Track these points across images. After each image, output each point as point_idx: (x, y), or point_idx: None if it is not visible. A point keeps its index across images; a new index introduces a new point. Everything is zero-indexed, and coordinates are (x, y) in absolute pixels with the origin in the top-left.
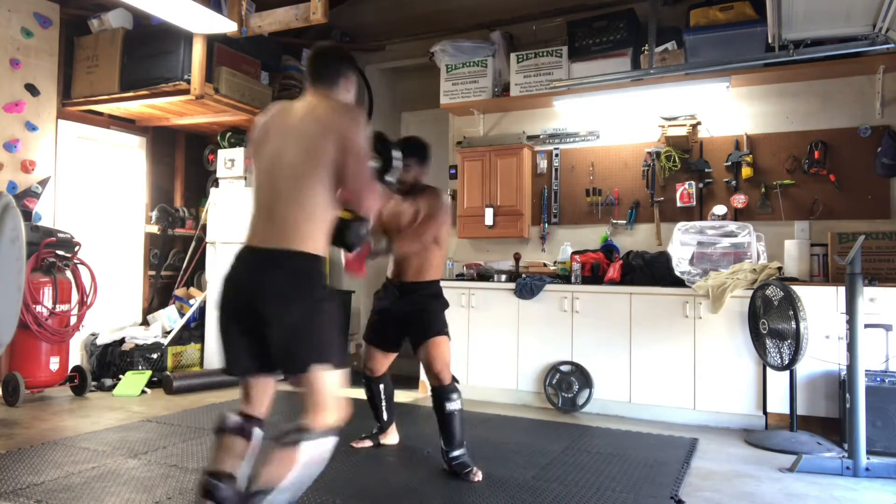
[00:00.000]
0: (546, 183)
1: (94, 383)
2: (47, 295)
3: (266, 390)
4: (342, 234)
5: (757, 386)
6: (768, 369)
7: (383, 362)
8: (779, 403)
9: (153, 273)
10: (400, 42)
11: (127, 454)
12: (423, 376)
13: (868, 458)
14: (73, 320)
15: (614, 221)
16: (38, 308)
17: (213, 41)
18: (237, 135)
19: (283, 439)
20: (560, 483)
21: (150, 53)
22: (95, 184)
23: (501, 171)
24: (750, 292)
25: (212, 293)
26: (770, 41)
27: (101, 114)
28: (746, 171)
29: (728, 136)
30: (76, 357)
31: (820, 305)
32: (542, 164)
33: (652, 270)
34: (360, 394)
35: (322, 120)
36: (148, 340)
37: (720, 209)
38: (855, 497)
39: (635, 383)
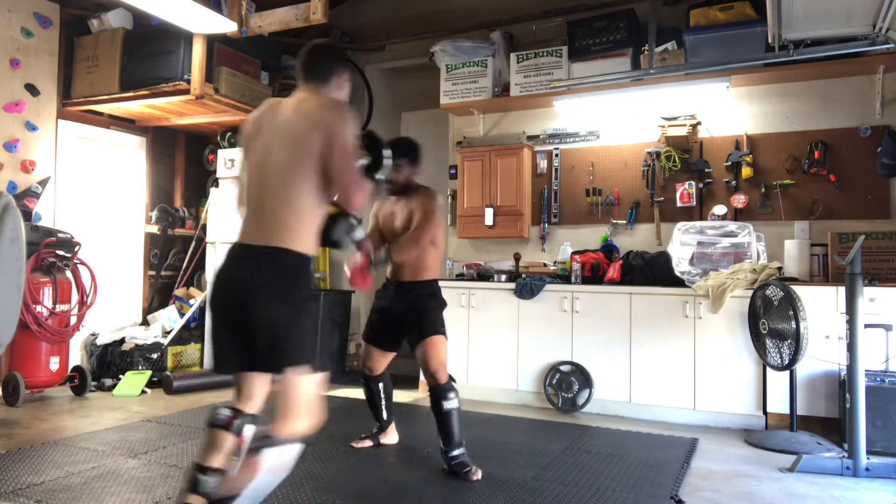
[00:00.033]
0: (546, 183)
1: (94, 383)
2: (47, 295)
3: (259, 387)
4: (328, 231)
5: (757, 386)
6: (768, 369)
7: (382, 361)
8: (779, 403)
9: (153, 273)
10: (400, 42)
11: (127, 454)
12: (422, 376)
13: (868, 458)
14: (73, 320)
15: (614, 221)
16: (38, 308)
17: (213, 41)
18: (237, 135)
19: (249, 445)
20: (560, 483)
21: (150, 53)
22: (95, 184)
23: (501, 171)
24: (750, 292)
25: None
26: (770, 41)
27: (101, 114)
28: (746, 171)
29: (728, 136)
30: (76, 357)
31: (820, 305)
32: (542, 164)
33: (652, 270)
34: (360, 394)
35: (309, 116)
36: (148, 340)
37: (720, 209)
38: (855, 497)
39: (635, 383)
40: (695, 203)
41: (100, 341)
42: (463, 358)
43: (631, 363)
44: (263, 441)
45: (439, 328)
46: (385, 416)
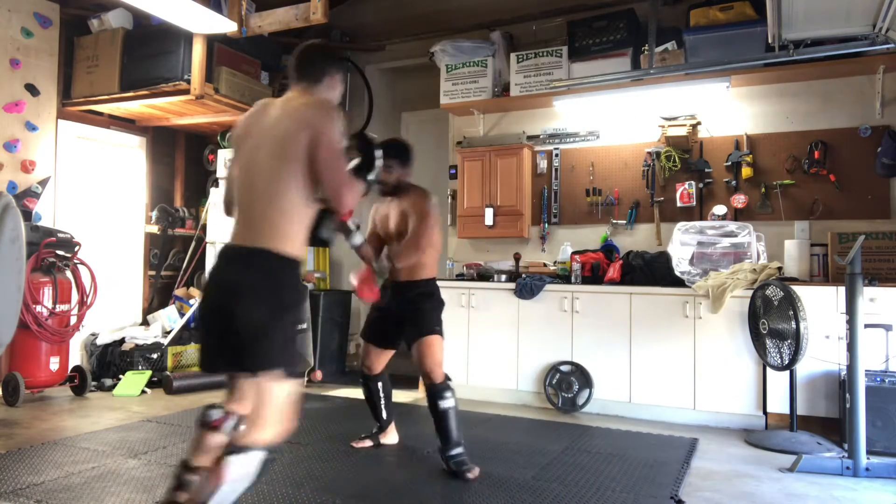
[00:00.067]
0: (546, 183)
1: (94, 383)
2: (47, 295)
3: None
4: (316, 229)
5: (757, 386)
6: (768, 369)
7: (381, 360)
8: (779, 403)
9: (153, 273)
10: (400, 42)
11: (127, 454)
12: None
13: (868, 458)
14: (73, 320)
15: (614, 221)
16: (38, 308)
17: (213, 41)
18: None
19: (193, 462)
20: (560, 483)
21: (150, 53)
22: (95, 184)
23: (501, 171)
24: (750, 292)
25: None
26: (770, 41)
27: (101, 114)
28: (746, 171)
29: (728, 136)
30: (76, 357)
31: (820, 305)
32: (542, 164)
33: (652, 270)
34: (360, 394)
35: (296, 116)
36: (148, 340)
37: (720, 209)
38: (855, 497)
39: (635, 383)
40: (695, 203)
41: (100, 341)
42: (463, 358)
43: (631, 363)
44: (228, 448)
45: (435, 328)
46: (385, 415)
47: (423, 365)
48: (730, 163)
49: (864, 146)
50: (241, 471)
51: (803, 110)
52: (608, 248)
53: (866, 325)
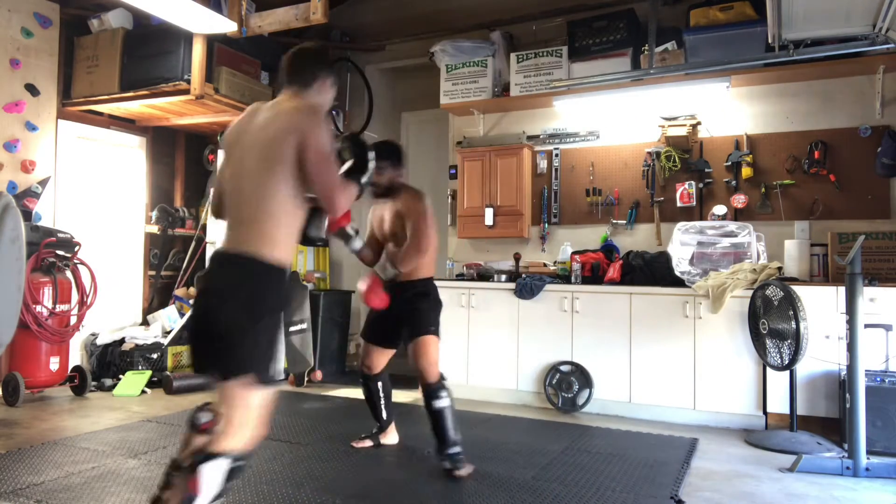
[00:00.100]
0: (546, 183)
1: (94, 383)
2: (47, 295)
3: None
4: (305, 229)
5: (757, 386)
6: (768, 369)
7: (380, 359)
8: (779, 403)
9: (153, 273)
10: (400, 42)
11: (127, 454)
12: None
13: (868, 458)
14: (73, 320)
15: (614, 221)
16: (38, 308)
17: (213, 41)
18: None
19: (184, 463)
20: (560, 483)
21: (150, 53)
22: (95, 184)
23: (501, 171)
24: (750, 292)
25: None
26: (770, 41)
27: (101, 114)
28: (746, 171)
29: (728, 136)
30: (76, 357)
31: (820, 305)
32: (542, 164)
33: (652, 270)
34: (360, 394)
35: (282, 121)
36: (148, 340)
37: (720, 209)
38: (855, 497)
39: (635, 383)
40: (695, 203)
41: (100, 341)
42: (463, 358)
43: (631, 363)
44: (198, 457)
45: (429, 328)
46: (384, 415)
47: (417, 364)
48: (730, 163)
49: (864, 146)
50: (211, 479)
51: (803, 110)
52: (608, 248)
53: (866, 325)
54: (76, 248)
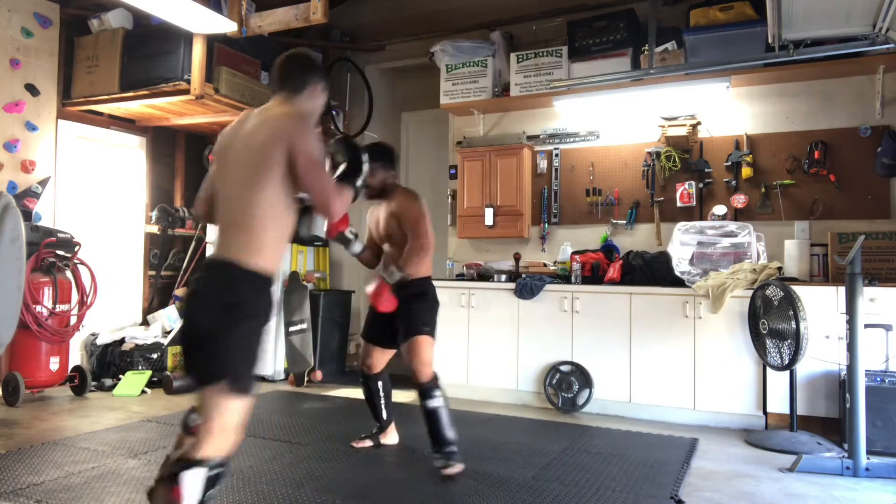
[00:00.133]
0: (546, 183)
1: (94, 383)
2: (47, 295)
3: None
4: (296, 229)
5: (757, 386)
6: (768, 369)
7: (380, 359)
8: (779, 403)
9: (153, 273)
10: (400, 42)
11: (127, 454)
12: None
13: (868, 458)
14: (73, 320)
15: (614, 221)
16: (38, 308)
17: (213, 41)
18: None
19: (165, 472)
20: (560, 483)
21: (150, 53)
22: (95, 184)
23: (501, 171)
24: (750, 292)
25: None
26: (770, 41)
27: (101, 114)
28: (746, 171)
29: (728, 136)
30: (76, 357)
31: (820, 305)
32: (542, 164)
33: (652, 270)
34: (360, 394)
35: (270, 129)
36: (148, 340)
37: (720, 209)
38: (855, 497)
39: (635, 383)
40: (695, 203)
41: (100, 341)
42: (463, 358)
43: (631, 363)
44: (177, 466)
45: (423, 328)
46: (385, 415)
47: (410, 365)
48: (730, 163)
49: (864, 146)
50: (192, 487)
51: (803, 110)
52: (608, 248)
53: (866, 325)
54: (76, 248)
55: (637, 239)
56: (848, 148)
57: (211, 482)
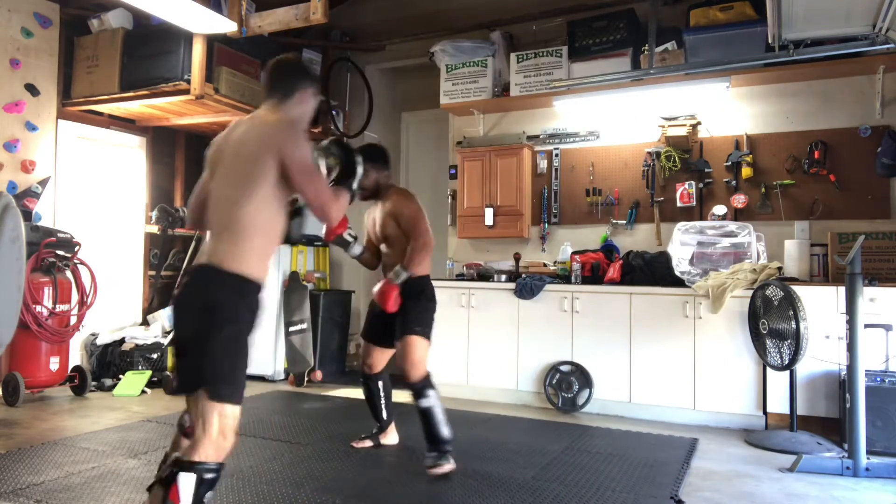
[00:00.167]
0: (546, 183)
1: (94, 383)
2: (47, 295)
3: None
4: (287, 232)
5: (757, 386)
6: (768, 369)
7: (380, 358)
8: (779, 403)
9: (153, 273)
10: (400, 42)
11: (127, 454)
12: None
13: (868, 458)
14: (73, 320)
15: (614, 221)
16: (38, 308)
17: (213, 41)
18: None
19: (163, 473)
20: (560, 483)
21: (150, 53)
22: (95, 184)
23: (501, 171)
24: (750, 292)
25: None
26: (770, 41)
27: (101, 114)
28: (746, 171)
29: (728, 136)
30: (76, 357)
31: (820, 305)
32: (542, 164)
33: (652, 270)
34: (360, 394)
35: (259, 137)
36: (148, 340)
37: (720, 209)
38: (855, 497)
39: (635, 383)
40: (695, 203)
41: (100, 341)
42: (463, 358)
43: (631, 363)
44: (175, 467)
45: (415, 328)
46: (385, 415)
47: (401, 364)
48: (730, 163)
49: (864, 146)
50: (187, 489)
51: (803, 110)
52: (608, 248)
53: (866, 325)
54: (76, 248)
55: (637, 239)
56: (848, 148)
57: (208, 485)
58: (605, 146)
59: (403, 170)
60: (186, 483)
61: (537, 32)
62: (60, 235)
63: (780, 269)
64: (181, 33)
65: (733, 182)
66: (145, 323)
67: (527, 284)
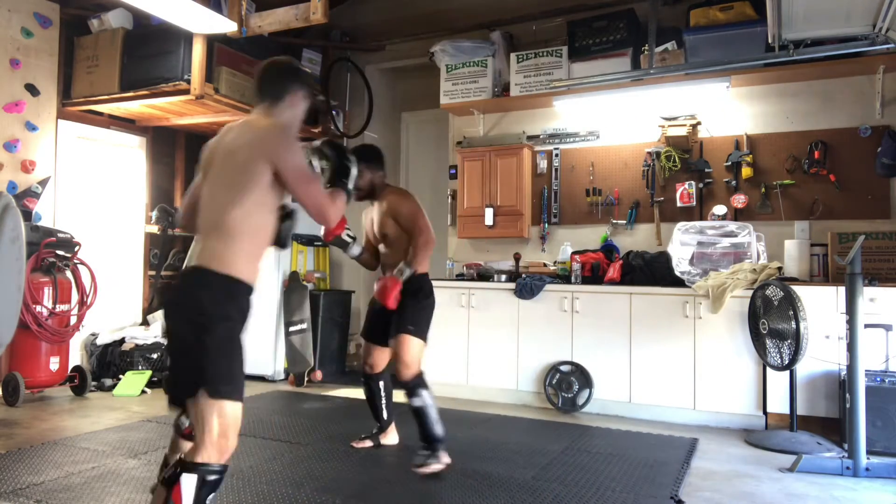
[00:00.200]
0: (546, 183)
1: (94, 383)
2: (47, 295)
3: None
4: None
5: (757, 386)
6: (768, 369)
7: (381, 357)
8: (779, 403)
9: (153, 273)
10: (400, 42)
11: (127, 454)
12: None
13: (868, 458)
14: (73, 320)
15: (614, 221)
16: (38, 308)
17: (213, 41)
18: None
19: (166, 473)
20: (560, 483)
21: (150, 53)
22: (95, 184)
23: (501, 171)
24: (750, 292)
25: None
26: (770, 41)
27: (101, 114)
28: (746, 171)
29: (728, 136)
30: (76, 357)
31: (820, 305)
32: (542, 164)
33: (652, 270)
34: (360, 394)
35: (251, 146)
36: (148, 340)
37: (720, 209)
38: (855, 497)
39: (635, 383)
40: (695, 203)
41: (100, 341)
42: (463, 358)
43: (631, 363)
44: (178, 468)
45: (409, 327)
46: (385, 416)
47: (396, 362)
48: (730, 163)
49: (864, 146)
50: (189, 490)
51: (803, 110)
52: (608, 248)
53: (866, 325)
54: (76, 248)
55: (637, 239)
56: (848, 148)
57: (211, 486)
58: (605, 146)
59: (403, 170)
60: (189, 484)
61: (537, 32)
62: (60, 235)
63: (780, 269)
64: (181, 33)
65: (733, 182)
66: (145, 323)
67: (527, 284)
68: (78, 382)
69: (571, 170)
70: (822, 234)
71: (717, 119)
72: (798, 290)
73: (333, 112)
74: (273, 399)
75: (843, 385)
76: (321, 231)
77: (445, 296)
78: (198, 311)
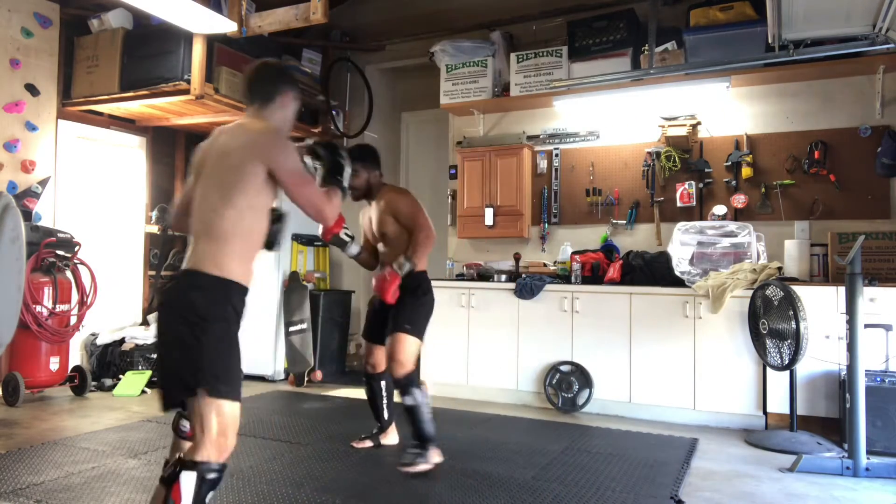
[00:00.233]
0: (546, 183)
1: (94, 383)
2: (47, 295)
3: None
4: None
5: (757, 386)
6: (768, 369)
7: (382, 357)
8: (779, 403)
9: (153, 273)
10: (400, 42)
11: (127, 454)
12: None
13: (868, 458)
14: (73, 320)
15: (614, 221)
16: (38, 308)
17: (213, 41)
18: None
19: (166, 472)
20: (560, 483)
21: (150, 53)
22: (95, 184)
23: (501, 171)
24: (750, 292)
25: None
26: (770, 41)
27: (101, 114)
28: (746, 171)
29: (728, 136)
30: (76, 357)
31: (820, 305)
32: (542, 164)
33: (652, 270)
34: (360, 394)
35: (244, 149)
36: (148, 340)
37: (720, 209)
38: (855, 497)
39: (635, 383)
40: (695, 203)
41: (100, 341)
42: (463, 358)
43: (631, 363)
44: (178, 467)
45: (405, 326)
46: (386, 416)
47: (390, 359)
48: (730, 163)
49: (864, 146)
50: (188, 489)
51: (803, 110)
52: (608, 248)
53: (866, 325)
54: (76, 248)
55: (637, 239)
56: (848, 148)
57: (210, 485)
58: (605, 146)
59: (403, 170)
60: (188, 482)
61: (537, 32)
62: (60, 235)
63: (780, 269)
64: (181, 33)
65: (733, 182)
66: (145, 323)
67: (527, 284)
68: (78, 382)
69: (571, 170)
70: (822, 234)
71: (717, 119)
72: (798, 290)
73: (333, 112)
74: (273, 399)
75: (843, 385)
76: (320, 230)
77: (445, 296)
78: (193, 313)
